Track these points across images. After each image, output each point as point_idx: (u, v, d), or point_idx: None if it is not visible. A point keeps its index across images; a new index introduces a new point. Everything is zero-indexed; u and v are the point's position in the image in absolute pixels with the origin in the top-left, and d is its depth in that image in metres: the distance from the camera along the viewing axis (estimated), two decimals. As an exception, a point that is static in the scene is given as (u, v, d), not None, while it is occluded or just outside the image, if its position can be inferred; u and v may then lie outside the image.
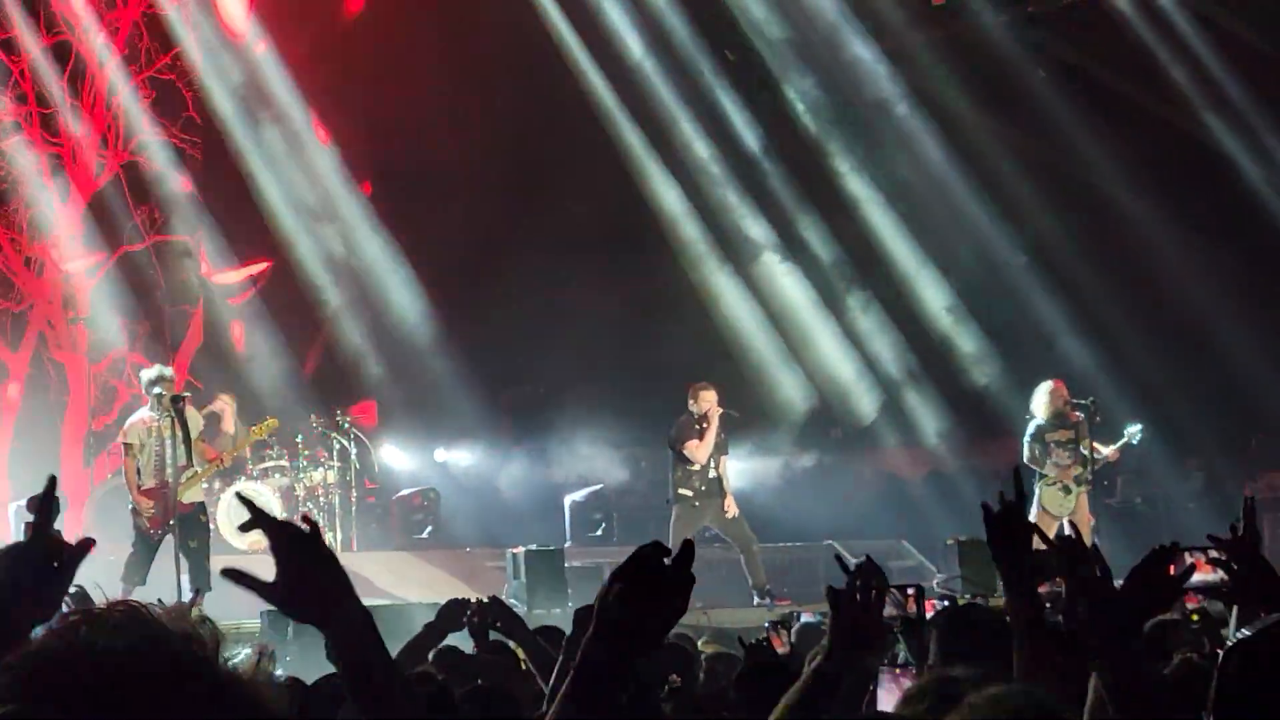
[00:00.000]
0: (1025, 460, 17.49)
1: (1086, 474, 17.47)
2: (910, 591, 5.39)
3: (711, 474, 17.25)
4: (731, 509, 17.35)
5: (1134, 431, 18.19)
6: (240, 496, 3.44)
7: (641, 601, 2.92)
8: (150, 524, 15.90)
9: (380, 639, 3.06)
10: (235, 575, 2.89)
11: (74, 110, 22.25)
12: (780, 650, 9.26)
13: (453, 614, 8.06)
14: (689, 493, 17.19)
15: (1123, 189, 22.22)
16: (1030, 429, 17.66)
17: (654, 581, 2.93)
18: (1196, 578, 4.33)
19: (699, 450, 17.17)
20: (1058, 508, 17.14)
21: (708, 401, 17.32)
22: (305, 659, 9.14)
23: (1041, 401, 17.63)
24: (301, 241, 23.58)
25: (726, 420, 17.43)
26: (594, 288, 22.82)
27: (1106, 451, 17.82)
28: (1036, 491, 17.34)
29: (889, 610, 5.07)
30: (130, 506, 16.12)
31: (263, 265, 23.49)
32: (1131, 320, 21.99)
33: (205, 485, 17.17)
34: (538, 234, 23.09)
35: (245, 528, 2.98)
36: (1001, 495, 4.45)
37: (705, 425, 17.19)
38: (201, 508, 16.24)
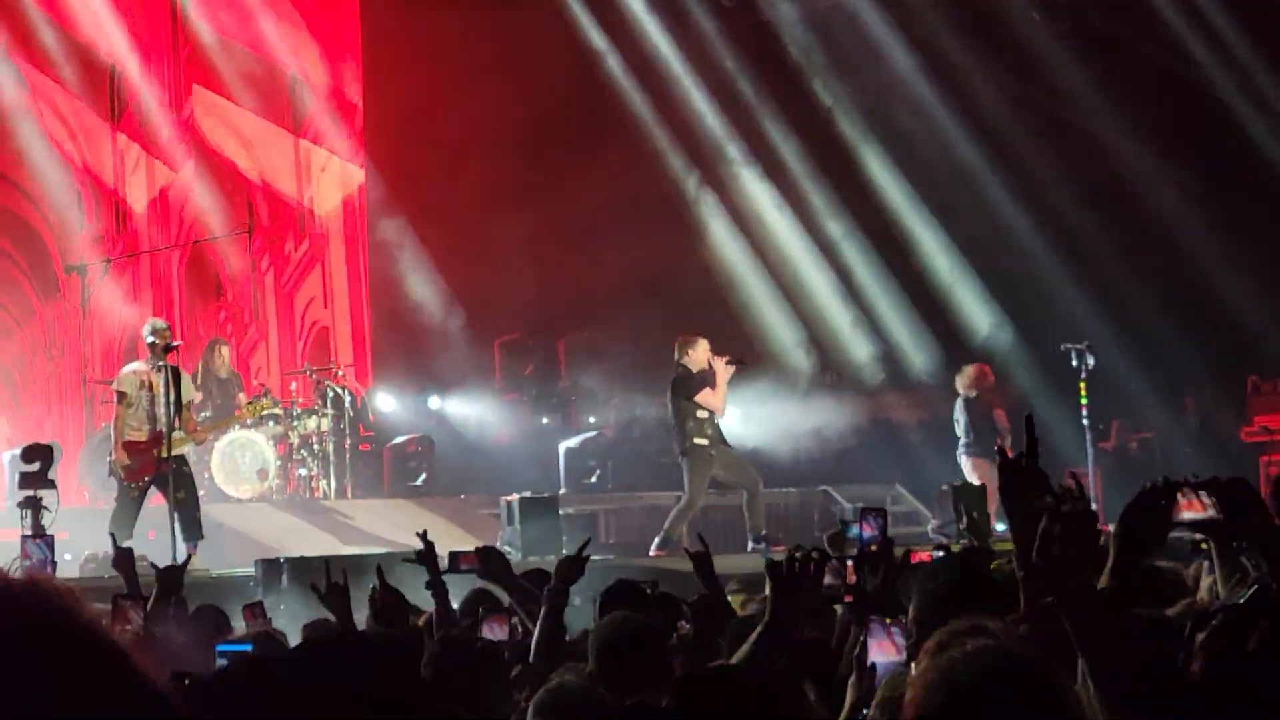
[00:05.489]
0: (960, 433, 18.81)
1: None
2: (849, 563, 5.48)
3: (717, 421, 17.28)
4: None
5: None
6: None
7: None
8: (126, 475, 15.85)
9: None
10: None
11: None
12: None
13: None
14: (704, 441, 17.16)
15: (1118, 134, 22.15)
16: (961, 403, 18.91)
17: None
18: (1187, 515, 4.32)
19: (715, 400, 17.17)
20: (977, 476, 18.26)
21: (704, 351, 17.31)
22: (295, 611, 9.13)
23: (968, 380, 18.97)
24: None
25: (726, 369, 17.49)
26: (589, 236, 22.79)
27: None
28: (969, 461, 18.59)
29: (828, 580, 5.18)
30: (109, 457, 16.10)
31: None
32: (1128, 263, 21.95)
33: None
34: (533, 185, 23.10)
35: None
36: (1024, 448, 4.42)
37: (714, 375, 17.19)
38: (182, 459, 16.03)
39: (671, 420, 17.53)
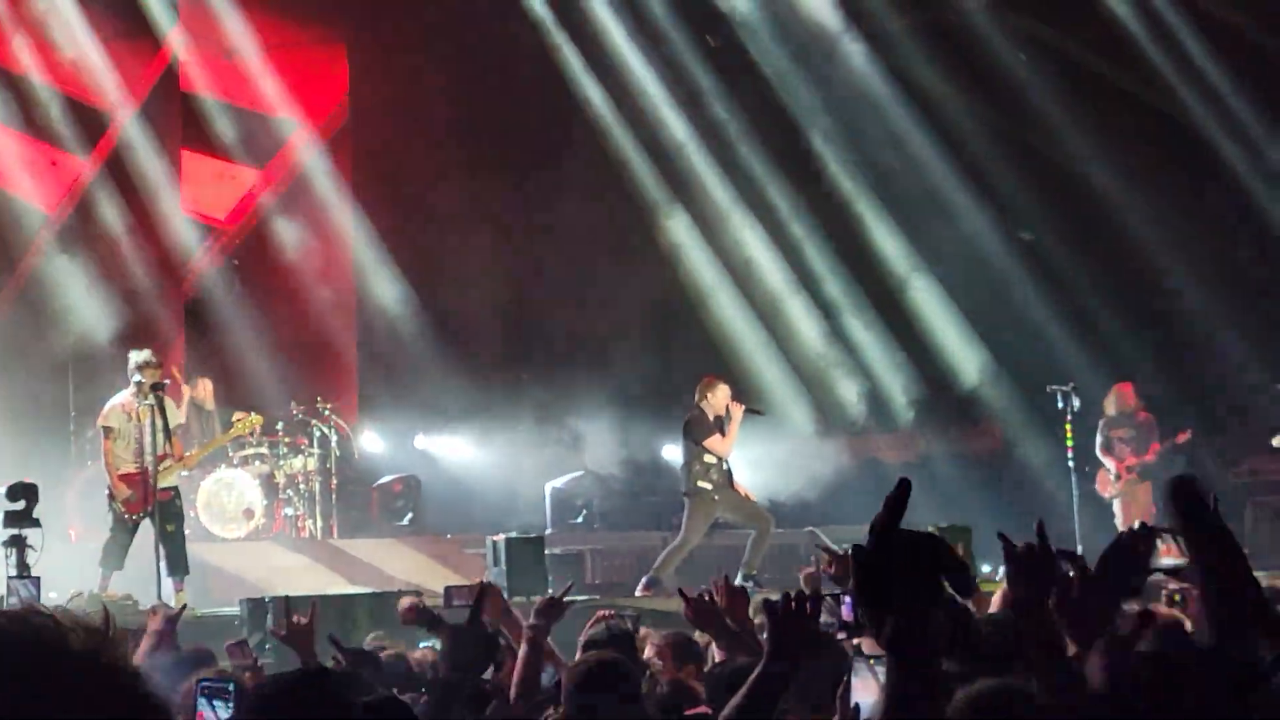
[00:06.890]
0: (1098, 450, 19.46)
1: (1138, 468, 19.48)
2: (846, 598, 5.57)
3: (725, 465, 17.30)
4: (747, 492, 17.67)
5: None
6: None
7: None
8: (126, 508, 15.87)
9: None
10: None
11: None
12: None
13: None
14: (708, 485, 17.17)
15: (1103, 172, 22.20)
16: (1101, 423, 19.53)
17: None
18: (1165, 560, 4.31)
19: (723, 445, 17.18)
20: (1108, 491, 19.34)
21: (724, 396, 17.34)
22: (283, 651, 9.10)
23: (1109, 400, 19.60)
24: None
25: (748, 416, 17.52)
26: (576, 276, 22.82)
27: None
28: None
29: (824, 617, 5.23)
30: (107, 491, 16.09)
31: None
32: (1113, 304, 21.99)
33: (185, 473, 17.17)
34: (519, 219, 23.14)
35: None
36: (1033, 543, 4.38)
37: (728, 420, 17.21)
38: (177, 492, 16.20)
39: (681, 460, 17.61)
